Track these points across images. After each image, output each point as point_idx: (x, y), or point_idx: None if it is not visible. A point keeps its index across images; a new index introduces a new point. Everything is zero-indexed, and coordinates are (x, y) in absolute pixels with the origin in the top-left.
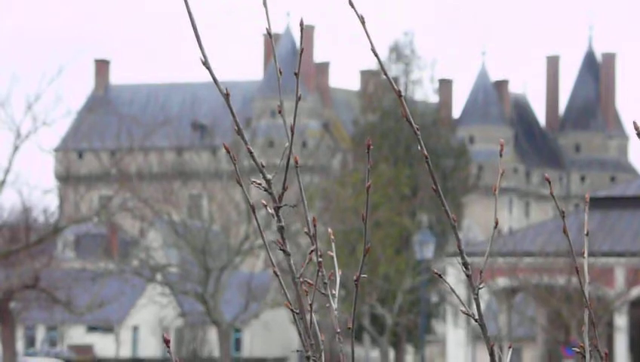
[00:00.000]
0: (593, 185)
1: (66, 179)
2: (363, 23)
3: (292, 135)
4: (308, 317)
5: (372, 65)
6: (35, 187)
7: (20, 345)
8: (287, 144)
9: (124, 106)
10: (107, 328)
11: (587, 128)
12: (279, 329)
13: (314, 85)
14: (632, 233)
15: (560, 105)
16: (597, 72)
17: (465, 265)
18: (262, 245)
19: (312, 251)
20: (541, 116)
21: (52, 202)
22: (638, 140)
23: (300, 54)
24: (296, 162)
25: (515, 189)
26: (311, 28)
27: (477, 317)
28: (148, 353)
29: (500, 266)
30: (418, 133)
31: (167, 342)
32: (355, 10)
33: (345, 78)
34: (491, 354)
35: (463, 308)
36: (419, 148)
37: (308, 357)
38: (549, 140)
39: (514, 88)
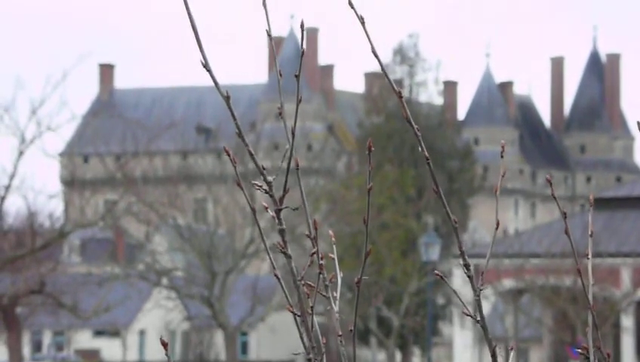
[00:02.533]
0: (599, 186)
1: (71, 183)
2: (363, 23)
3: (293, 138)
4: (310, 319)
5: (377, 67)
6: (40, 192)
7: (26, 350)
8: (287, 146)
9: (128, 110)
10: (114, 332)
11: (592, 129)
12: (286, 332)
13: (318, 88)
14: (638, 233)
15: (565, 106)
16: (601, 73)
17: (466, 266)
18: (267, 248)
19: (313, 253)
20: (546, 117)
21: (57, 207)
22: None
23: (301, 57)
24: (297, 165)
25: (521, 190)
26: (315, 30)
27: (479, 319)
28: (155, 357)
29: (506, 267)
30: (419, 134)
31: (164, 345)
32: (355, 11)
33: (349, 80)
34: (493, 356)
35: (466, 311)
36: (420, 150)
37: (309, 360)
38: (554, 141)
39: (519, 89)
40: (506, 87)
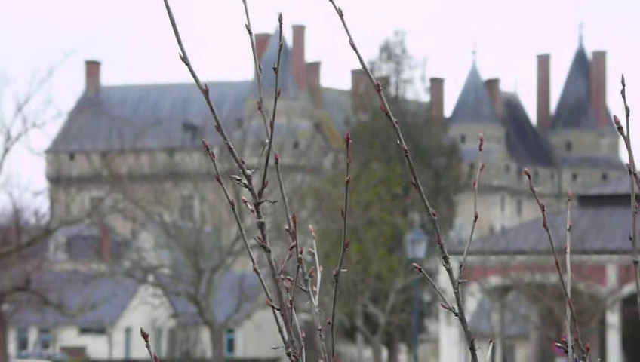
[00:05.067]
0: (585, 183)
1: (57, 180)
2: (341, 16)
3: (272, 131)
4: (289, 313)
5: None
6: (25, 189)
7: (12, 348)
8: (267, 140)
9: (115, 108)
10: (100, 330)
11: (578, 126)
12: (272, 329)
13: (305, 85)
14: (624, 231)
15: (551, 103)
16: (587, 70)
17: (445, 258)
18: (253, 245)
19: (292, 247)
20: (532, 115)
21: (43, 204)
22: (630, 137)
23: (280, 49)
24: (277, 159)
25: (507, 187)
26: (302, 28)
27: (457, 311)
28: (141, 354)
29: (493, 264)
30: (397, 127)
31: (145, 336)
32: (334, 4)
33: (336, 77)
34: (471, 349)
35: (445, 305)
36: (397, 143)
37: (289, 354)
38: (540, 138)
39: (505, 87)
40: (492, 84)
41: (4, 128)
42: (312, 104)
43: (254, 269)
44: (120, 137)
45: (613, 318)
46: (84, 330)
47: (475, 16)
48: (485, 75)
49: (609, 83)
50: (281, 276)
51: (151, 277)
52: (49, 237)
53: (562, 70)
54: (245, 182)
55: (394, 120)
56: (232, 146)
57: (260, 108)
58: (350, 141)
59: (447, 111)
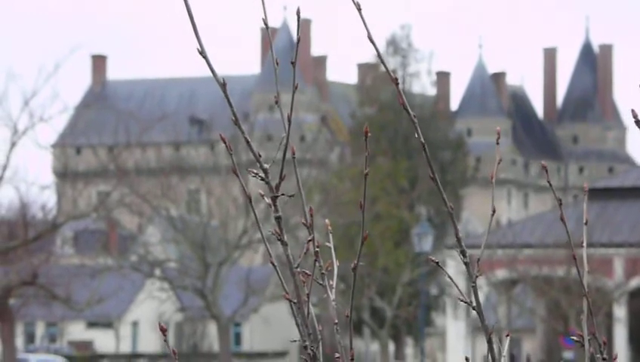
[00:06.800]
0: (591, 176)
1: (64, 175)
2: (359, 10)
3: (289, 125)
4: (306, 307)
5: (369, 58)
6: (32, 183)
7: (19, 342)
8: (284, 134)
9: (121, 102)
10: (107, 324)
11: (585, 119)
12: (279, 323)
13: (311, 79)
14: (631, 223)
15: (558, 96)
16: (594, 64)
17: (463, 253)
18: (260, 239)
19: (309, 241)
20: (539, 108)
21: (50, 198)
22: (636, 130)
23: (297, 44)
24: (293, 153)
25: (514, 181)
26: (308, 21)
27: (475, 305)
28: (148, 348)
29: (499, 258)
30: (415, 120)
31: (163, 330)
32: None
33: (342, 71)
34: (489, 342)
35: (462, 298)
36: (416, 136)
37: (305, 347)
38: (546, 132)
39: (511, 80)
40: (498, 77)
41: (11, 123)
42: (318, 98)
43: (271, 262)
44: (126, 131)
45: (620, 312)
46: (91, 324)
47: (482, 10)
48: (492, 69)
49: (615, 76)
50: (298, 270)
51: (158, 271)
52: (56, 231)
53: (569, 63)
54: (262, 175)
55: (412, 114)
56: (249, 140)
57: (277, 102)
58: (369, 135)
59: (454, 104)
